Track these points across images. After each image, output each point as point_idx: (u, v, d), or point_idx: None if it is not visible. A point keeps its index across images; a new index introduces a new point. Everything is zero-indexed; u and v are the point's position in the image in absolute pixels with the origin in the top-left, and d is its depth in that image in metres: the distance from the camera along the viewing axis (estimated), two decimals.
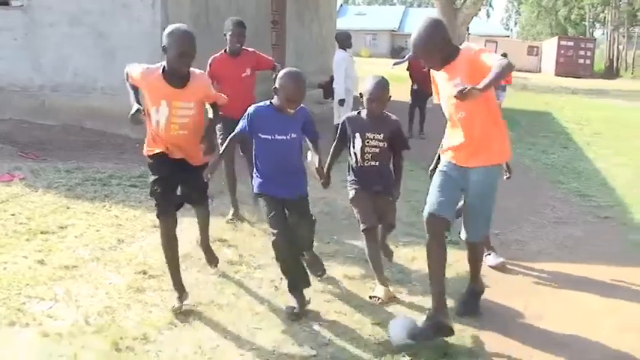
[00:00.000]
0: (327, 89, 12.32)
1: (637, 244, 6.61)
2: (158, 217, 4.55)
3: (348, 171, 5.30)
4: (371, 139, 5.10)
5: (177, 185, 4.69)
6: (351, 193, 5.23)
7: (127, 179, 7.99)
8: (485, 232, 4.77)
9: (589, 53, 46.27)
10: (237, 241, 5.99)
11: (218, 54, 6.71)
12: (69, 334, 4.12)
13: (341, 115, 10.71)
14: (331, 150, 5.28)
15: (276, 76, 4.64)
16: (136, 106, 4.38)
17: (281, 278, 5.16)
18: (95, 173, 8.19)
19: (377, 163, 5.15)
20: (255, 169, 4.69)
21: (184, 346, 4.04)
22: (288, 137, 4.56)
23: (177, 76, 4.41)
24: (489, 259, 5.71)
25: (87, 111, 11.02)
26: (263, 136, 4.54)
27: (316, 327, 4.41)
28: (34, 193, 7.21)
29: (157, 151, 4.57)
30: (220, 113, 5.00)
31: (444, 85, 4.38)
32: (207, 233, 5.24)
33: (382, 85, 5.07)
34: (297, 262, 4.71)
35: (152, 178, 4.57)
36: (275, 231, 4.49)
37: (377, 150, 5.12)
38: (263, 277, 5.23)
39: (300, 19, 18.18)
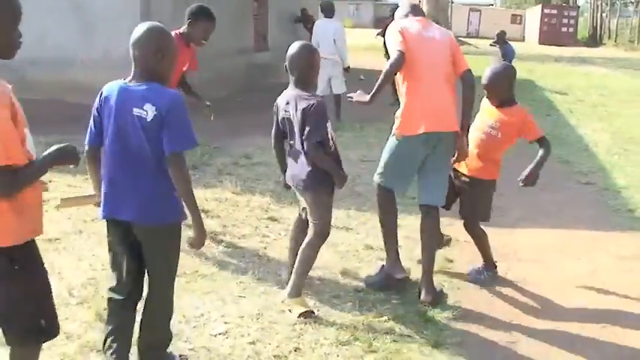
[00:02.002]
0: None
1: (617, 209, 6.68)
2: None
3: None
4: None
5: None
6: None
7: None
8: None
9: (572, 21, 46.20)
10: (220, 212, 6.00)
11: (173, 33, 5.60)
12: None
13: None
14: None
15: None
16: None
17: (264, 247, 5.22)
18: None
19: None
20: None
21: None
22: None
23: None
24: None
25: (67, 84, 10.92)
26: None
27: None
28: None
29: None
30: None
31: None
32: None
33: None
34: None
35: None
36: None
37: None
38: (246, 247, 5.26)
39: None
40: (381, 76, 4.32)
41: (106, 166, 3.13)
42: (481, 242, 4.92)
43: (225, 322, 4.03)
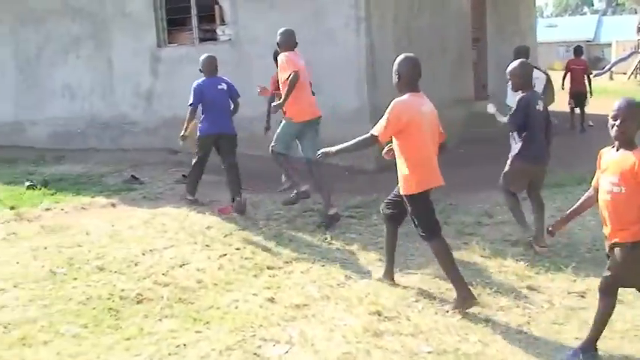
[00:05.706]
0: None
1: None
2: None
3: None
4: None
5: None
6: None
7: (344, 209, 7.73)
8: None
9: None
10: (471, 279, 5.43)
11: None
12: None
13: None
14: None
15: None
16: None
17: (528, 322, 4.66)
18: (312, 204, 7.99)
19: None
20: None
21: None
22: None
23: None
24: None
25: None
26: None
27: None
28: (255, 225, 7.18)
29: None
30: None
31: None
32: None
33: None
34: None
35: None
36: None
37: None
38: (507, 320, 4.69)
39: (501, 33, 17.40)
40: None
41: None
42: None
43: None
